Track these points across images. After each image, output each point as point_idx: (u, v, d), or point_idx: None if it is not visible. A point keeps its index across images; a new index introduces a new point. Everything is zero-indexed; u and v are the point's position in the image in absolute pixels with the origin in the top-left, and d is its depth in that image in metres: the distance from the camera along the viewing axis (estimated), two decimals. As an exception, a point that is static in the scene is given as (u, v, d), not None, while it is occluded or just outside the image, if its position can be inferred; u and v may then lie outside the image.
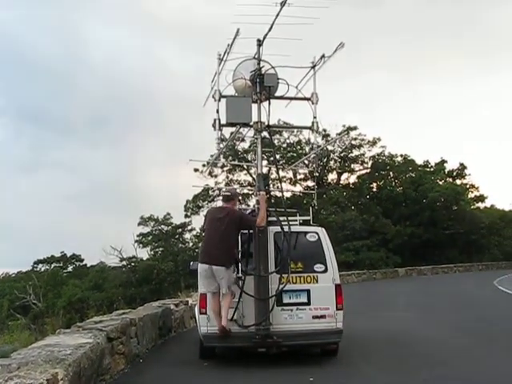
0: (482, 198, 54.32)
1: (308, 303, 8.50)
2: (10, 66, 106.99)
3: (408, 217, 48.10)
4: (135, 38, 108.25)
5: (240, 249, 8.62)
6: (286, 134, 45.04)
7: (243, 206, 21.10)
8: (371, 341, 10.70)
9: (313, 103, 9.44)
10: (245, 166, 42.32)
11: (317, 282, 8.58)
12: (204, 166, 36.62)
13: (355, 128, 47.06)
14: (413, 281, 34.93)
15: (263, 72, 9.05)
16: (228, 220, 8.38)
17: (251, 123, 9.03)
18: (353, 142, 48.28)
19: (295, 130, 43.65)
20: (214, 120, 9.06)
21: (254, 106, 9.06)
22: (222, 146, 9.28)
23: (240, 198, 8.20)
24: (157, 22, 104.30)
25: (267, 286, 8.34)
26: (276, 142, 42.91)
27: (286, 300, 8.47)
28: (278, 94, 9.30)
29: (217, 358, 8.93)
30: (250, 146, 38.42)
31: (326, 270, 8.62)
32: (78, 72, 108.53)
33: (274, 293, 8.34)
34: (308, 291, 8.53)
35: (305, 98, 9.49)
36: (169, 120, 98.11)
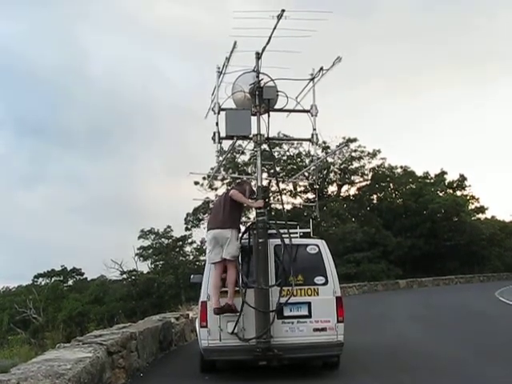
0: (482, 209, 54.31)
1: (309, 316, 8.47)
2: (10, 78, 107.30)
3: (408, 228, 48.04)
4: (135, 51, 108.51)
5: (240, 262, 8.62)
6: (286, 147, 45.08)
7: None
8: (372, 353, 10.67)
9: (312, 115, 9.44)
10: (245, 179, 42.31)
11: (317, 294, 8.56)
12: (204, 178, 36.72)
13: (355, 140, 47.09)
14: (414, 293, 34.85)
15: (262, 84, 9.06)
16: (226, 196, 9.05)
17: (251, 136, 9.04)
18: (353, 154, 48.26)
19: (295, 143, 43.76)
20: (214, 133, 9.07)
21: (254, 119, 9.07)
22: (221, 158, 9.29)
23: (250, 187, 8.59)
24: (156, 34, 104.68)
25: (268, 298, 8.32)
26: (276, 154, 42.94)
27: (286, 313, 8.44)
28: (277, 106, 9.31)
29: (218, 371, 8.89)
30: (250, 159, 38.48)
31: (326, 283, 8.60)
32: (77, 84, 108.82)
33: (275, 306, 8.33)
34: (309, 304, 8.51)
35: (304, 111, 9.50)
36: (169, 132, 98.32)
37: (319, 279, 8.61)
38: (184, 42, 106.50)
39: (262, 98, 9.06)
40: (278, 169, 41.38)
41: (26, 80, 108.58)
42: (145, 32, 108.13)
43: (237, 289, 8.42)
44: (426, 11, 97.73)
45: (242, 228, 9.14)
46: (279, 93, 9.22)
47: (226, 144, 9.46)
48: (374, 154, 48.51)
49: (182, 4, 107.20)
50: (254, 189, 9.17)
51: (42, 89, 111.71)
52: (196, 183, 41.17)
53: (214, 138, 9.08)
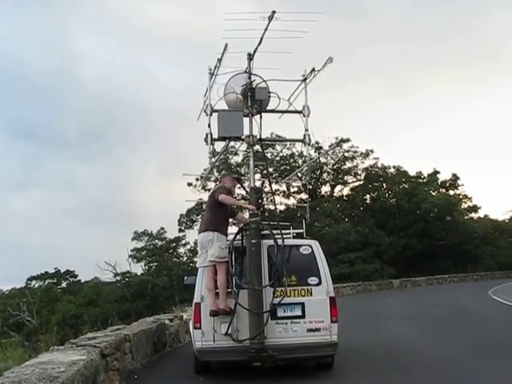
0: (475, 209, 54.53)
1: (302, 316, 8.47)
2: (1, 80, 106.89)
3: (402, 228, 48.14)
4: (128, 53, 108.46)
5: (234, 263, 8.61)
6: (278, 147, 45.13)
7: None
8: (367, 353, 10.67)
9: (304, 116, 9.47)
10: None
11: (311, 294, 8.57)
12: (197, 180, 36.71)
13: (348, 140, 47.24)
14: (407, 292, 34.90)
15: (254, 86, 9.08)
16: (208, 198, 9.40)
17: (243, 137, 9.05)
18: (346, 154, 48.40)
19: (288, 143, 43.82)
20: (206, 134, 9.08)
21: (246, 120, 9.07)
22: (213, 160, 9.30)
23: (229, 179, 8.51)
24: (149, 37, 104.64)
25: (261, 299, 8.32)
26: (269, 155, 42.98)
27: (280, 313, 8.44)
28: (269, 107, 9.32)
29: (212, 372, 8.89)
30: (243, 160, 38.50)
31: (320, 283, 8.61)
32: (69, 87, 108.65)
33: (269, 307, 8.33)
34: (302, 304, 8.51)
35: (296, 111, 9.51)
36: (162, 134, 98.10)
37: (313, 280, 8.62)
38: (177, 44, 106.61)
39: (254, 99, 9.07)
40: (271, 170, 41.48)
41: (18, 83, 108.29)
42: (138, 35, 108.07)
43: (229, 290, 8.43)
44: (420, 12, 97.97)
45: (235, 229, 9.15)
46: (271, 94, 9.24)
47: (219, 145, 9.47)
48: (366, 154, 48.69)
49: (175, 6, 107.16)
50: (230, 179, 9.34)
51: (35, 92, 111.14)
52: (189, 184, 41.28)
53: (206, 140, 9.09)
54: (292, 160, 45.78)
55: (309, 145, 9.61)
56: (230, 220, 9.40)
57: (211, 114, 9.15)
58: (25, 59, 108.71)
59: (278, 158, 46.00)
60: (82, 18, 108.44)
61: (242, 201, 9.02)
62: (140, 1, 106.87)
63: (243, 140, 9.13)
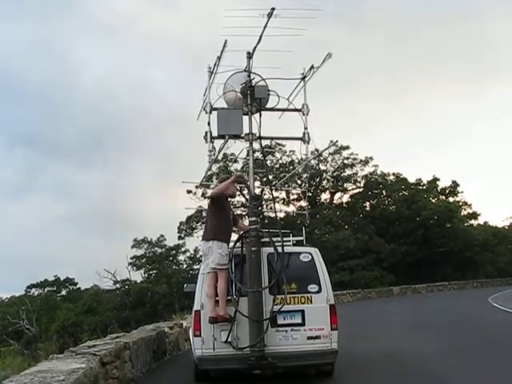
0: (474, 215, 54.52)
1: (302, 324, 8.46)
2: (1, 88, 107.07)
3: (401, 235, 48.17)
4: (125, 60, 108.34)
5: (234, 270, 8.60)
6: (278, 155, 45.21)
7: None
8: (367, 361, 10.63)
9: (303, 114, 9.49)
10: (237, 187, 42.24)
11: (311, 302, 8.55)
12: (197, 187, 36.74)
13: (347, 147, 47.36)
14: (408, 299, 34.87)
15: (254, 84, 9.10)
16: (208, 205, 9.31)
17: (242, 135, 9.06)
18: (345, 162, 48.52)
19: (288, 151, 43.96)
20: (206, 132, 9.10)
21: (245, 118, 9.09)
22: (213, 157, 9.28)
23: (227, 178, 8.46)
24: (147, 44, 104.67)
25: (261, 307, 8.30)
26: (268, 162, 43.06)
27: (280, 321, 8.43)
28: (268, 105, 9.34)
29: (212, 380, 8.87)
30: (242, 167, 38.56)
31: (319, 291, 8.60)
32: (67, 94, 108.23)
33: (269, 314, 8.31)
34: (302, 312, 8.50)
35: (296, 109, 9.54)
36: (161, 141, 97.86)
37: (312, 287, 8.61)
38: (175, 50, 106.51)
39: (253, 98, 9.10)
40: (270, 177, 41.47)
41: (15, 90, 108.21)
42: (136, 42, 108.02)
43: (229, 298, 8.41)
44: (421, 15, 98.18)
45: (235, 236, 9.14)
46: (270, 92, 9.26)
47: (218, 144, 9.45)
48: (366, 162, 48.78)
49: (169, 11, 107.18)
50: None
51: (32, 99, 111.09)
52: (189, 192, 41.28)
53: (205, 138, 9.10)
54: (292, 167, 45.83)
55: (308, 143, 9.60)
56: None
57: (211, 112, 9.18)
58: (24, 67, 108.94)
59: (277, 166, 46.05)
60: (80, 25, 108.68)
61: (227, 180, 9.00)
62: (138, 6, 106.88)
63: (242, 138, 9.13)
